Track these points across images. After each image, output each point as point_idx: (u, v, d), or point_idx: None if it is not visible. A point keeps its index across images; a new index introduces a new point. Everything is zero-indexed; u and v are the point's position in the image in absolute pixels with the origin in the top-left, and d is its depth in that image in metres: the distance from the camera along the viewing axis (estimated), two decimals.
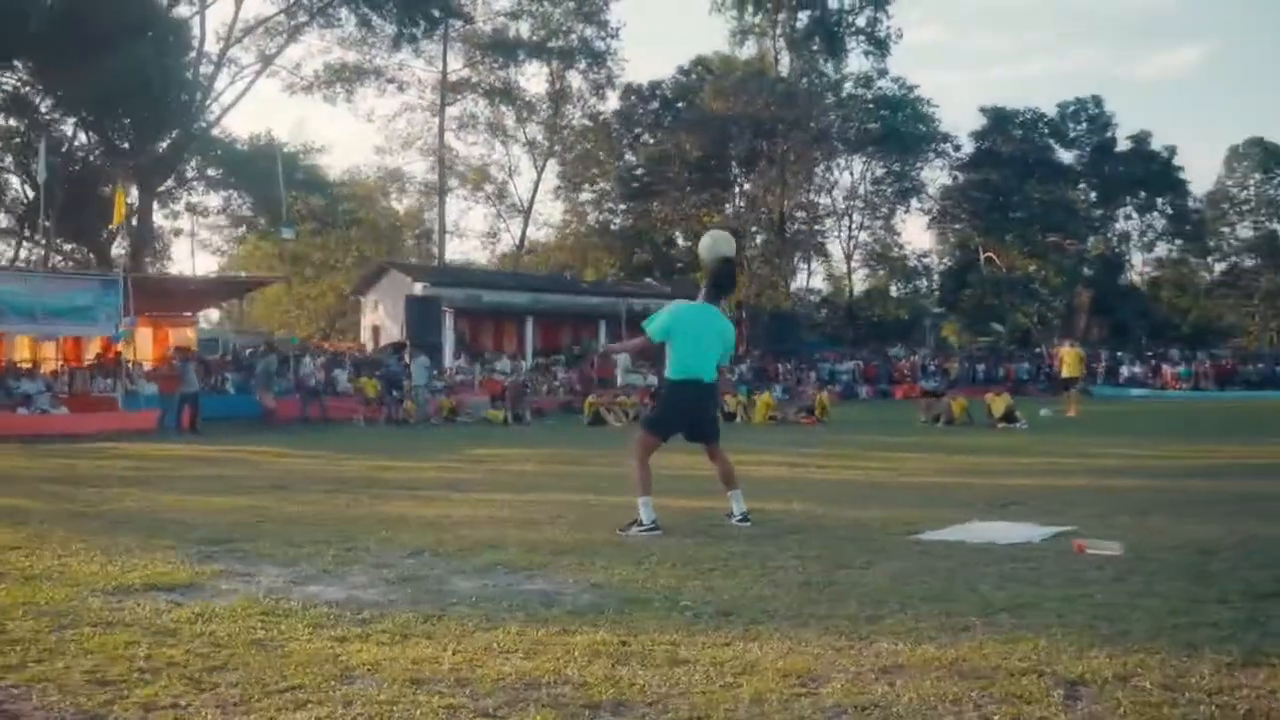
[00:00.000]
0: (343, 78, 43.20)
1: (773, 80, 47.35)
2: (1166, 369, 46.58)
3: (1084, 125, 56.65)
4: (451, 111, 48.82)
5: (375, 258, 45.68)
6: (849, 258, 54.18)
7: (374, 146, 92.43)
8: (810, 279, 52.65)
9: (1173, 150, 59.77)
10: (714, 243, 6.95)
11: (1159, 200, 62.55)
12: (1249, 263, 72.92)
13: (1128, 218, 63.11)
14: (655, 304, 38.99)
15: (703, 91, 49.31)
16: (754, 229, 47.93)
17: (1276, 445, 14.35)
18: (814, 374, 37.38)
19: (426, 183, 51.91)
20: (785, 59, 50.20)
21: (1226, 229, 73.09)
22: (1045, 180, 52.37)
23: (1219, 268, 74.63)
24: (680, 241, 55.25)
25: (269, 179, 29.40)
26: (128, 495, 8.57)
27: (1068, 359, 22.86)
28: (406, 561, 5.48)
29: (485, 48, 47.50)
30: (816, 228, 51.04)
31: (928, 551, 5.70)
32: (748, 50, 50.37)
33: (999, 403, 20.29)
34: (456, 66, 47.91)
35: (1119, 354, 48.68)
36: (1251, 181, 74.37)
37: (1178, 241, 67.35)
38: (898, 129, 48.55)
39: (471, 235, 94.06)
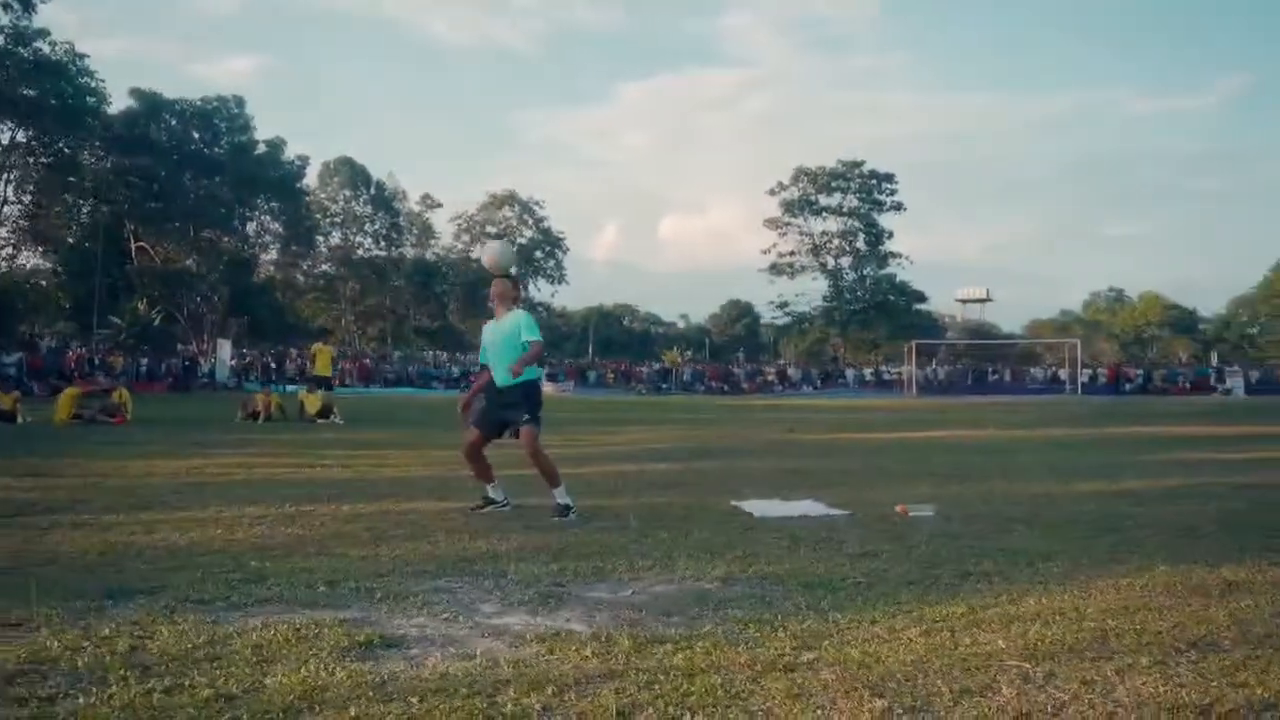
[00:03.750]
0: None
1: None
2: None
3: (225, 124, 57.23)
4: None
5: None
6: None
7: None
8: None
9: (305, 160, 63.68)
10: (501, 259, 7.65)
11: (279, 205, 65.91)
12: (339, 270, 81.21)
13: (249, 219, 65.43)
14: None
15: None
16: None
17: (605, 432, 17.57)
18: None
19: None
20: None
21: (321, 237, 79.85)
22: (199, 174, 51.67)
23: (315, 272, 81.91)
24: None
25: None
26: None
27: (320, 358, 23.39)
28: (486, 581, 4.88)
29: None
30: None
31: (819, 528, 6.78)
32: None
33: (312, 400, 20.70)
34: None
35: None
36: (341, 196, 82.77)
37: (291, 246, 71.79)
38: (64, 98, 43.60)
39: None
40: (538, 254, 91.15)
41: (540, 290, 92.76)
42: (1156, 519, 7.12)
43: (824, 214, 71.94)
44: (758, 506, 7.59)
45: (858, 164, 70.66)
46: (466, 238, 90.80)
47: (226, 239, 52.56)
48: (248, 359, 48.29)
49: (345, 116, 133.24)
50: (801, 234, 72.54)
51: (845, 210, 71.72)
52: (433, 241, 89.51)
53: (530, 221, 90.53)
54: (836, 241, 72.46)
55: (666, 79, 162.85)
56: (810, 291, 73.45)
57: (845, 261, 73.15)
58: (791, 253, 72.58)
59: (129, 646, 3.71)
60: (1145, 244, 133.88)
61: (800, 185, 71.64)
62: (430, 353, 74.60)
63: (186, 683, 3.29)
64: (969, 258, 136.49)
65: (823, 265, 72.87)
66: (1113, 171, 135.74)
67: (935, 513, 7.23)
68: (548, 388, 51.10)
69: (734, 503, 7.87)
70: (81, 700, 3.12)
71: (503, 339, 7.13)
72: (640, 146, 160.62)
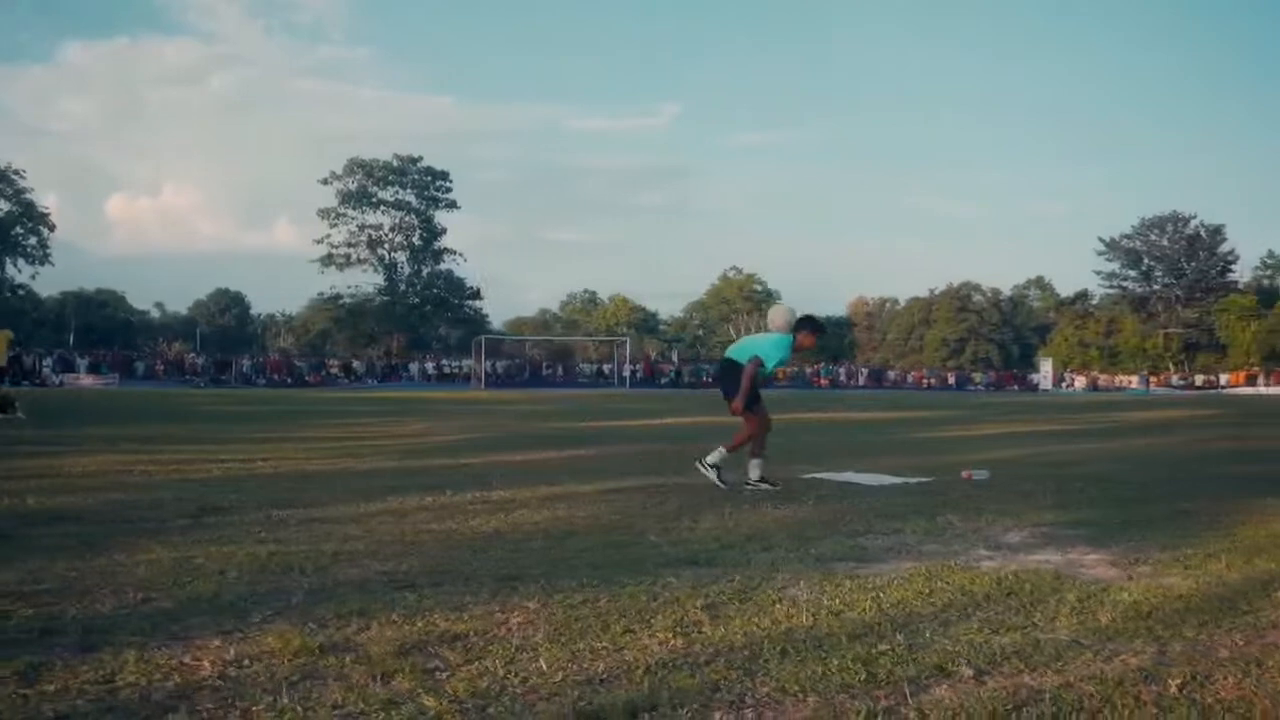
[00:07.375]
0: None
1: None
2: None
3: None
4: None
5: None
6: None
7: None
8: None
9: None
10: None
11: None
12: None
13: None
14: None
15: None
16: None
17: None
18: None
19: None
20: None
21: None
22: None
23: None
24: None
25: None
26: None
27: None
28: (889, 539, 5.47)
29: None
30: None
31: (942, 490, 7.89)
32: None
33: None
34: None
35: None
36: None
37: None
38: None
39: None
40: (17, 230, 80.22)
41: (20, 272, 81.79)
42: (1146, 476, 9.07)
43: (381, 207, 71.05)
44: (845, 477, 8.50)
45: (415, 160, 70.68)
46: None
47: None
48: None
49: None
50: (359, 227, 71.11)
51: (401, 204, 71.42)
52: None
53: (10, 194, 79.33)
54: (392, 235, 71.93)
55: (120, 43, 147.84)
56: (363, 283, 72.35)
57: (401, 256, 72.87)
58: (347, 244, 70.85)
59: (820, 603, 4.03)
60: (597, 250, 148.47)
61: (356, 177, 70.14)
62: None
63: (985, 625, 3.77)
64: None
65: (380, 259, 71.97)
66: (564, 182, 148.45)
67: (987, 476, 8.62)
68: (87, 380, 45.84)
69: (807, 475, 8.68)
70: (933, 636, 3.54)
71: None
72: (85, 115, 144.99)
